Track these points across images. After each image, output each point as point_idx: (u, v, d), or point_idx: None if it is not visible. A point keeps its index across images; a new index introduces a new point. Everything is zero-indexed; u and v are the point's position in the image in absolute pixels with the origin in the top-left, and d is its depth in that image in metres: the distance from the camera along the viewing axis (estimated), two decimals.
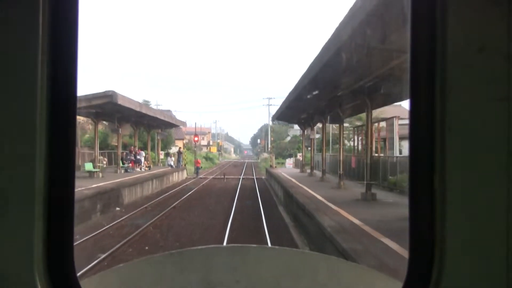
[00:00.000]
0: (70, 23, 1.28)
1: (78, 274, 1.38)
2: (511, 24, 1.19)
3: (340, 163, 21.46)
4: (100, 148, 32.40)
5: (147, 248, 13.89)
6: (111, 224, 17.18)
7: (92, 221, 17.83)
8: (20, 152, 1.24)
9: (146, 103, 52.67)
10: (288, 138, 79.91)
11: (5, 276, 1.24)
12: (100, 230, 15.88)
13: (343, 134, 23.77)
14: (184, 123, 51.84)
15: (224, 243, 13.47)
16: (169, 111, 68.15)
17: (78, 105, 16.75)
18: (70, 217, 1.32)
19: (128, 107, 25.28)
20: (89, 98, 21.63)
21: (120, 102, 22.70)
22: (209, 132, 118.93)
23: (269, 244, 13.04)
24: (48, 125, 1.26)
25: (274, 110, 58.51)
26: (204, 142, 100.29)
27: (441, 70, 1.21)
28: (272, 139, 75.41)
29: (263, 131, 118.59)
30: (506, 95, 1.20)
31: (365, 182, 16.97)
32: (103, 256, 12.38)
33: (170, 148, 54.65)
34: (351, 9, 11.07)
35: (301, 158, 41.60)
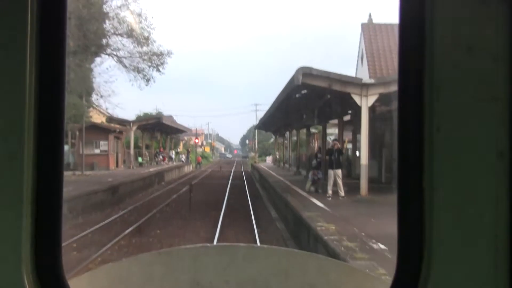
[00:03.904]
0: (59, 22, 1.27)
1: (69, 277, 1.39)
2: (500, 24, 1.16)
3: (289, 157, 38.28)
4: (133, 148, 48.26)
5: (192, 194, 29.94)
6: (166, 188, 33.07)
7: (154, 188, 33.87)
8: (7, 151, 1.21)
9: (159, 113, 68.32)
10: (272, 140, 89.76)
11: None
12: (163, 190, 31.84)
13: (290, 141, 40.86)
14: (190, 130, 67.52)
15: (226, 196, 29.24)
16: (170, 116, 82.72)
17: (139, 123, 38.17)
18: (58, 216, 1.29)
19: (165, 123, 41.61)
20: (147, 118, 38.15)
21: (164, 121, 39.08)
22: (202, 133, 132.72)
23: (249, 201, 29.03)
24: (36, 124, 1.23)
25: (261, 114, 65.30)
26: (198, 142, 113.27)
27: (430, 70, 1.18)
28: (256, 141, 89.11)
29: (251, 132, 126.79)
30: (495, 95, 1.17)
31: (295, 166, 33.81)
32: (174, 196, 28.40)
33: (178, 148, 70.57)
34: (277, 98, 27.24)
35: (276, 156, 58.57)
